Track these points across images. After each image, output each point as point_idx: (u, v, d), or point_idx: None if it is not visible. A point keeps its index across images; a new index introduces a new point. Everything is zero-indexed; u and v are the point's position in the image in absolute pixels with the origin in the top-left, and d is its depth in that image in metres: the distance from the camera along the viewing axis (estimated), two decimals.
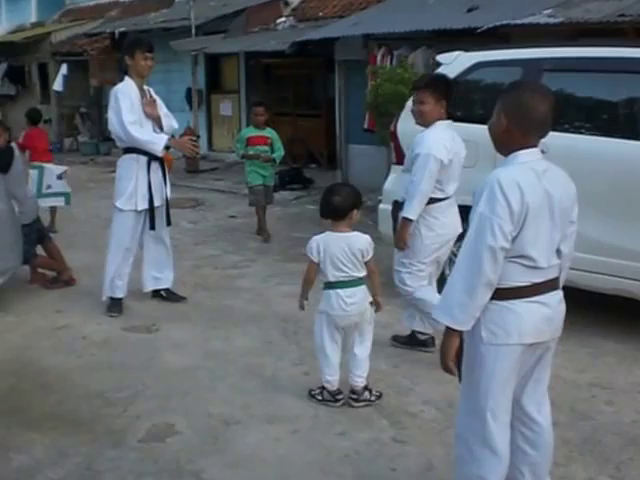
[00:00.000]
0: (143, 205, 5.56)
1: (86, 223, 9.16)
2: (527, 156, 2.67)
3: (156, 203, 5.61)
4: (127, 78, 5.62)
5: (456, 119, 5.54)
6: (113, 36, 16.67)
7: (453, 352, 2.71)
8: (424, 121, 4.60)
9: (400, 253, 4.68)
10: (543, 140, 2.76)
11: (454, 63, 5.65)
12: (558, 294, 2.78)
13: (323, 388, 4.08)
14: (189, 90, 15.08)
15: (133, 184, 5.52)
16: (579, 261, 4.91)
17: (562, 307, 2.80)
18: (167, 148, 5.65)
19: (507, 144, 2.71)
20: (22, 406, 4.11)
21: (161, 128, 5.61)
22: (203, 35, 14.55)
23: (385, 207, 5.95)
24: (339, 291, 3.96)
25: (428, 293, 4.63)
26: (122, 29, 16.39)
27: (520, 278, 2.65)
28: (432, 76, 4.99)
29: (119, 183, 5.63)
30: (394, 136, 5.91)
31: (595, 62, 5.05)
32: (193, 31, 14.32)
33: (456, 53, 5.70)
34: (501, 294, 2.65)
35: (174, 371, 4.56)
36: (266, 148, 8.14)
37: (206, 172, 13.45)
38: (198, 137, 13.99)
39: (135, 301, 5.89)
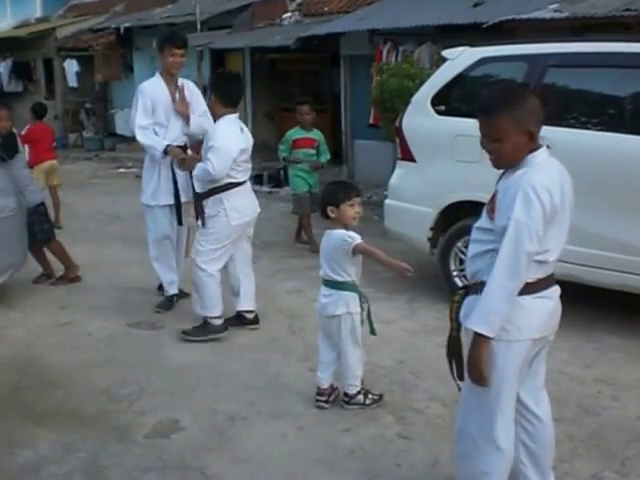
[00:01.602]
0: (166, 200, 5.48)
1: (91, 219, 9.17)
2: (541, 155, 2.70)
3: (183, 199, 5.53)
4: (157, 75, 5.54)
5: (461, 114, 5.55)
6: (118, 31, 16.66)
7: (485, 361, 2.65)
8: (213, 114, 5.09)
9: (202, 237, 4.93)
10: (544, 133, 2.80)
11: (460, 58, 5.63)
12: (557, 289, 2.81)
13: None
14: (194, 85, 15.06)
15: (156, 179, 5.48)
16: (585, 257, 4.91)
17: (560, 303, 2.83)
18: (165, 152, 5.40)
19: (522, 154, 2.69)
20: (27, 402, 4.12)
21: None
22: (208, 30, 14.53)
23: (391, 202, 5.95)
24: (322, 288, 3.95)
25: (213, 285, 4.90)
26: (127, 24, 16.38)
27: (530, 275, 2.64)
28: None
29: (143, 178, 5.62)
30: (399, 132, 5.89)
31: (601, 57, 5.02)
32: (198, 26, 14.29)
33: (461, 48, 5.68)
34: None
35: (179, 367, 4.57)
36: (313, 152, 7.53)
37: None
38: None
39: (140, 297, 5.89)
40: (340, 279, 3.86)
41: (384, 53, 10.28)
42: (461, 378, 2.84)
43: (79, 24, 19.08)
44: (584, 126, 5.06)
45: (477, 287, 2.72)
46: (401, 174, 5.90)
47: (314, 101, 11.10)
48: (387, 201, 6.01)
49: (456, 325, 2.86)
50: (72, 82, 17.78)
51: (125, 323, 5.32)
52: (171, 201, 5.49)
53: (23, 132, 8.62)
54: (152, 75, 5.72)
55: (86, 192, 10.84)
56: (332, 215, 3.85)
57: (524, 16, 8.32)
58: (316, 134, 7.58)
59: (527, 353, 2.75)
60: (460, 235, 5.44)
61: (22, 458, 3.52)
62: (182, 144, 5.49)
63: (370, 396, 4.00)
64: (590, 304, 5.37)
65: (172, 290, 5.62)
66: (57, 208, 8.60)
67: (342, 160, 12.16)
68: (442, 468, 3.39)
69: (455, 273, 5.41)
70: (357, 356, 3.94)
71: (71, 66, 17.72)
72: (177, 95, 5.46)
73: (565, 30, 8.18)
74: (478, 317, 2.64)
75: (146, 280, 5.97)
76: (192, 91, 5.62)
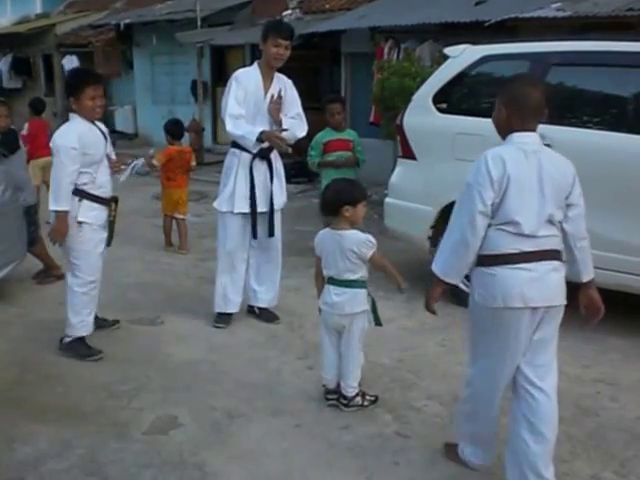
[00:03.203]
0: (242, 208, 4.98)
1: None
2: (520, 138, 2.99)
3: (260, 208, 5.02)
4: (255, 64, 5.06)
5: (463, 112, 5.55)
6: (118, 28, 16.66)
7: (436, 297, 3.15)
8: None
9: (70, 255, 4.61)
10: (545, 132, 2.96)
11: (461, 56, 5.62)
12: (551, 264, 2.93)
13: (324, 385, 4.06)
14: (194, 82, 15.04)
15: (232, 183, 5.00)
16: None
17: (555, 276, 2.94)
18: (260, 140, 4.88)
19: (508, 130, 3.03)
20: (25, 398, 4.11)
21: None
22: (209, 27, 14.52)
23: (391, 201, 5.94)
24: (330, 287, 3.86)
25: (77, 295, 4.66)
26: (127, 21, 16.37)
27: (508, 245, 2.90)
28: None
29: (221, 181, 5.15)
30: (400, 130, 5.89)
31: (603, 56, 5.00)
32: (199, 23, 14.28)
33: (463, 46, 5.67)
34: (488, 260, 2.94)
35: (178, 364, 4.56)
36: (348, 154, 6.66)
37: (211, 165, 13.43)
38: (203, 130, 14.02)
39: (139, 294, 5.89)
40: (354, 277, 3.80)
41: (385, 51, 10.26)
42: None
43: (79, 20, 19.09)
44: (586, 125, 5.05)
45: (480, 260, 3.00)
46: (401, 172, 5.89)
47: (313, 99, 10.93)
48: (387, 199, 6.00)
49: None
50: None
51: (125, 319, 5.30)
52: (247, 209, 5.00)
53: (24, 131, 8.59)
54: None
55: None
56: (347, 214, 3.75)
57: (526, 15, 8.32)
58: (349, 134, 6.81)
59: (514, 323, 2.93)
60: None
61: (21, 454, 3.52)
62: (268, 146, 4.97)
63: (367, 397, 3.97)
64: None
65: (229, 309, 5.19)
66: None
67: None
68: (440, 466, 3.38)
69: None
70: (361, 357, 3.92)
71: (70, 62, 17.69)
72: (273, 91, 4.99)
73: (567, 29, 8.18)
74: (435, 260, 3.11)
75: (145, 277, 5.96)
76: (287, 89, 5.11)
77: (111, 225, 4.71)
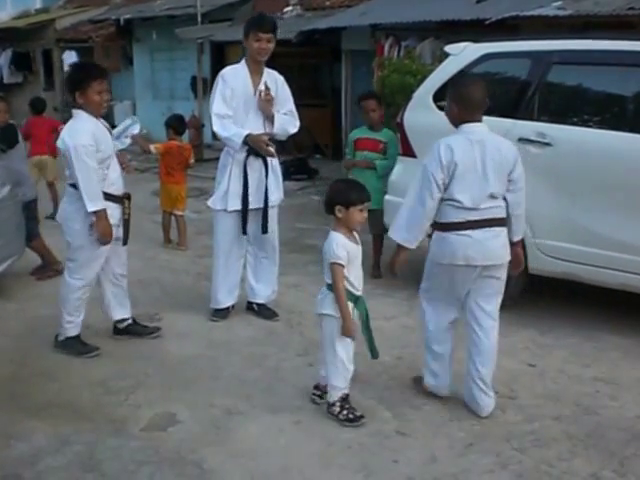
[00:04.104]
0: (235, 206, 4.99)
1: None
2: (469, 128, 3.69)
3: (253, 205, 5.01)
4: (242, 61, 5.04)
5: None
6: (118, 23, 16.62)
7: (399, 262, 3.86)
8: None
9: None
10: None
11: (462, 54, 5.60)
12: (493, 231, 3.68)
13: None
14: (194, 78, 15.02)
15: (226, 181, 5.00)
16: (585, 255, 4.90)
17: (497, 241, 3.70)
18: (245, 143, 4.89)
19: (459, 122, 3.73)
20: (23, 394, 4.10)
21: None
22: (209, 23, 14.49)
23: (391, 199, 5.91)
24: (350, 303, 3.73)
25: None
26: (127, 16, 16.34)
27: (455, 216, 3.65)
28: None
29: (216, 179, 5.16)
30: (400, 127, 5.87)
31: (605, 55, 4.98)
32: (199, 19, 14.26)
33: (464, 44, 5.65)
34: (441, 227, 3.72)
35: (176, 360, 4.55)
36: (375, 156, 6.19)
37: (210, 161, 13.40)
38: (202, 126, 13.98)
39: (138, 290, 5.86)
40: (328, 281, 3.72)
41: (386, 48, 10.24)
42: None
43: (79, 15, 19.06)
44: (587, 124, 5.04)
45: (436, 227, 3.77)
46: (401, 170, 5.87)
47: (313, 96, 10.88)
48: (387, 197, 5.97)
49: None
50: None
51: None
52: (238, 207, 5.01)
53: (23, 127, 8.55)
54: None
55: None
56: (339, 215, 3.68)
57: (527, 13, 8.30)
58: (385, 135, 6.27)
59: (460, 276, 3.72)
60: None
61: (18, 450, 3.50)
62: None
63: (346, 413, 3.74)
64: (590, 303, 5.37)
65: (225, 305, 5.22)
66: (55, 202, 8.55)
67: (342, 155, 12.14)
68: (440, 465, 3.37)
69: None
70: (341, 366, 3.73)
71: (70, 57, 17.66)
72: (262, 88, 4.96)
73: (568, 28, 8.16)
74: (394, 230, 3.84)
75: (144, 273, 5.94)
76: (279, 86, 5.09)
77: (126, 223, 4.65)
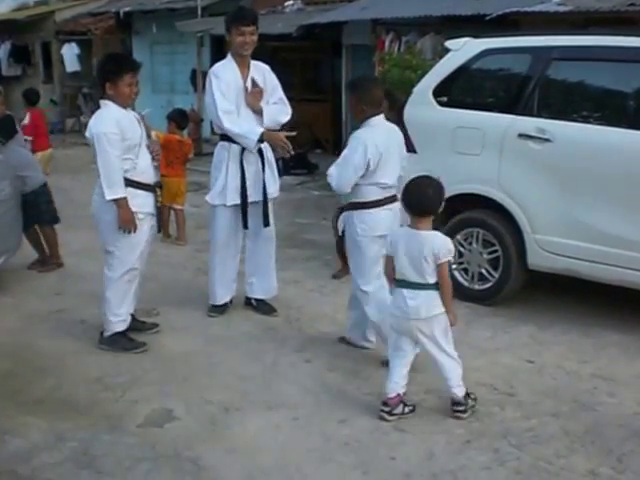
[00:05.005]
0: (234, 200, 4.96)
1: (87, 205, 9.00)
2: (375, 121, 4.25)
3: (251, 198, 4.96)
4: (228, 56, 5.01)
5: (463, 106, 5.51)
6: (118, 16, 16.55)
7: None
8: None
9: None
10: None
11: (463, 49, 5.58)
12: (396, 204, 4.27)
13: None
14: (194, 72, 14.96)
15: (223, 176, 4.97)
16: (584, 251, 4.89)
17: (397, 212, 4.29)
18: (261, 141, 4.88)
19: (363, 117, 4.25)
20: (18, 389, 4.08)
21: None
22: (209, 16, 14.43)
23: None
24: (402, 290, 3.71)
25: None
26: (127, 9, 16.26)
27: (377, 194, 4.25)
28: None
29: (211, 174, 5.13)
30: (401, 122, 5.84)
31: (605, 51, 4.98)
32: (199, 12, 14.21)
33: (465, 39, 5.62)
34: (366, 205, 4.26)
35: (174, 356, 4.53)
36: None
37: (209, 155, 13.36)
38: (202, 120, 13.93)
39: None
40: (432, 281, 3.66)
41: (387, 43, 10.23)
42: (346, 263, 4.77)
43: (78, 7, 18.94)
44: (586, 120, 5.03)
45: (345, 207, 4.40)
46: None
47: (313, 91, 10.75)
48: None
49: (338, 232, 4.66)
50: (72, 67, 17.64)
51: None
52: (237, 201, 4.97)
53: (25, 121, 8.54)
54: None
55: (83, 178, 10.73)
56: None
57: (528, 9, 8.29)
58: None
59: (381, 244, 4.14)
60: (460, 228, 5.40)
61: (13, 446, 3.49)
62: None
63: (471, 396, 3.81)
64: (588, 299, 5.35)
65: (222, 301, 5.20)
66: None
67: (342, 150, 12.11)
68: (437, 461, 3.37)
69: (454, 266, 5.36)
70: (453, 359, 3.75)
71: (70, 50, 17.59)
72: (249, 85, 4.95)
73: (568, 24, 8.14)
74: (335, 179, 4.33)
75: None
76: (266, 76, 5.07)
77: (158, 211, 4.68)
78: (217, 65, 5.07)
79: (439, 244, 3.64)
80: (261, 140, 4.84)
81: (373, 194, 4.26)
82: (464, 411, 3.74)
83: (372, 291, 4.33)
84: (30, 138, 8.76)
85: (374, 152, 4.16)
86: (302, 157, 11.88)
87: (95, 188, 4.64)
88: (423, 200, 3.69)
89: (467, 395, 3.79)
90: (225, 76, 4.92)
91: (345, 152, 4.28)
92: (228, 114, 4.86)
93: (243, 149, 4.93)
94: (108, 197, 4.35)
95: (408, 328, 3.70)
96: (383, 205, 4.27)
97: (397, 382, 3.74)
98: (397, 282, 3.76)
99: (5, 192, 5.63)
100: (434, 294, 3.66)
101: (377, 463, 3.35)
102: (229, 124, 4.84)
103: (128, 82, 4.41)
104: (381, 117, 4.28)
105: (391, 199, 4.30)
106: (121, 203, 4.37)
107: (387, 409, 3.71)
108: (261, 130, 4.84)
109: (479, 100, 5.62)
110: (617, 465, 3.34)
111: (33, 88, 10.04)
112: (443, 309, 3.68)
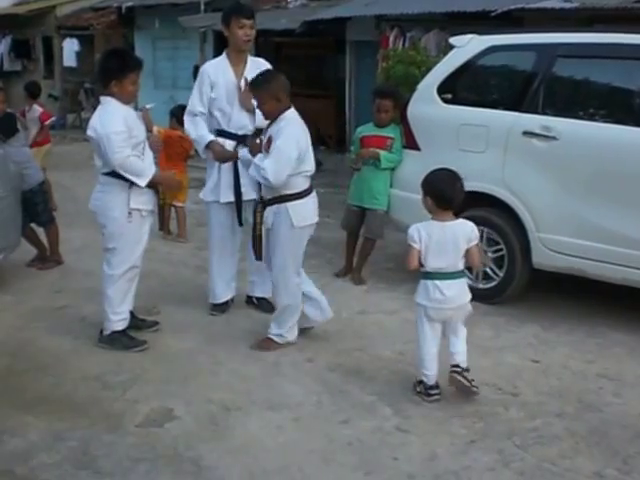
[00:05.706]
0: (228, 197, 4.93)
1: (88, 202, 9.05)
2: (292, 114, 4.36)
3: (247, 196, 4.87)
4: (223, 55, 4.99)
5: (468, 103, 5.47)
6: (120, 10, 16.50)
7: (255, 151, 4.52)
8: None
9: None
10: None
11: (467, 46, 5.56)
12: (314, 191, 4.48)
13: (421, 382, 3.95)
14: (196, 68, 14.92)
15: (216, 172, 4.95)
16: (589, 250, 4.85)
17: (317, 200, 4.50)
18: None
19: (279, 112, 4.32)
20: (17, 388, 4.06)
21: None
22: (212, 12, 14.39)
23: (395, 192, 5.87)
24: (443, 282, 3.82)
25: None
26: (129, 4, 16.21)
27: (305, 184, 4.39)
28: None
29: (206, 172, 5.08)
30: (404, 119, 5.81)
31: (610, 48, 4.95)
32: (202, 7, 14.17)
33: (469, 36, 5.60)
34: (298, 196, 4.34)
35: (174, 355, 4.50)
36: (382, 153, 5.81)
37: None
38: None
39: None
40: (462, 267, 3.90)
41: (391, 39, 10.22)
42: (260, 259, 4.58)
43: (80, 2, 18.90)
44: (591, 118, 5.01)
45: (272, 201, 4.36)
46: (405, 163, 5.81)
47: (317, 87, 10.72)
48: (391, 190, 5.91)
49: (260, 227, 4.45)
50: (69, 62, 17.57)
51: None
52: (231, 198, 4.93)
53: (36, 113, 8.56)
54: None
55: (84, 174, 10.70)
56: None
57: (533, 5, 8.28)
58: (392, 130, 5.85)
59: (310, 232, 4.45)
60: None
61: (11, 446, 3.46)
62: (249, 133, 4.90)
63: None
64: (593, 298, 5.32)
65: (222, 299, 5.18)
66: (50, 190, 8.49)
67: (346, 147, 12.09)
68: (440, 462, 3.33)
69: None
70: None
71: (71, 45, 17.56)
72: (242, 84, 4.85)
73: (573, 21, 8.11)
74: (270, 172, 4.25)
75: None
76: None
77: (159, 209, 4.67)
78: (208, 63, 5.12)
79: (470, 229, 3.88)
80: (208, 147, 4.90)
81: (302, 184, 4.36)
82: (473, 380, 3.86)
83: (299, 282, 4.51)
84: (54, 118, 9.36)
85: (303, 143, 4.30)
86: None
87: (96, 185, 4.60)
88: (455, 193, 3.84)
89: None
90: (214, 75, 4.93)
91: (278, 145, 4.24)
92: (192, 115, 4.92)
93: (236, 145, 4.91)
94: (142, 184, 4.39)
95: (444, 316, 3.90)
96: (309, 194, 4.41)
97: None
98: (428, 274, 3.86)
99: (4, 189, 5.59)
100: (464, 282, 3.93)
101: (379, 464, 3.32)
102: (187, 125, 4.95)
103: (133, 80, 4.40)
104: (293, 109, 4.36)
105: (311, 187, 4.46)
106: (158, 178, 4.54)
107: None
108: (208, 139, 4.88)
109: (484, 97, 5.60)
110: (622, 466, 3.31)
111: (35, 81, 10.02)
112: (470, 296, 3.93)
